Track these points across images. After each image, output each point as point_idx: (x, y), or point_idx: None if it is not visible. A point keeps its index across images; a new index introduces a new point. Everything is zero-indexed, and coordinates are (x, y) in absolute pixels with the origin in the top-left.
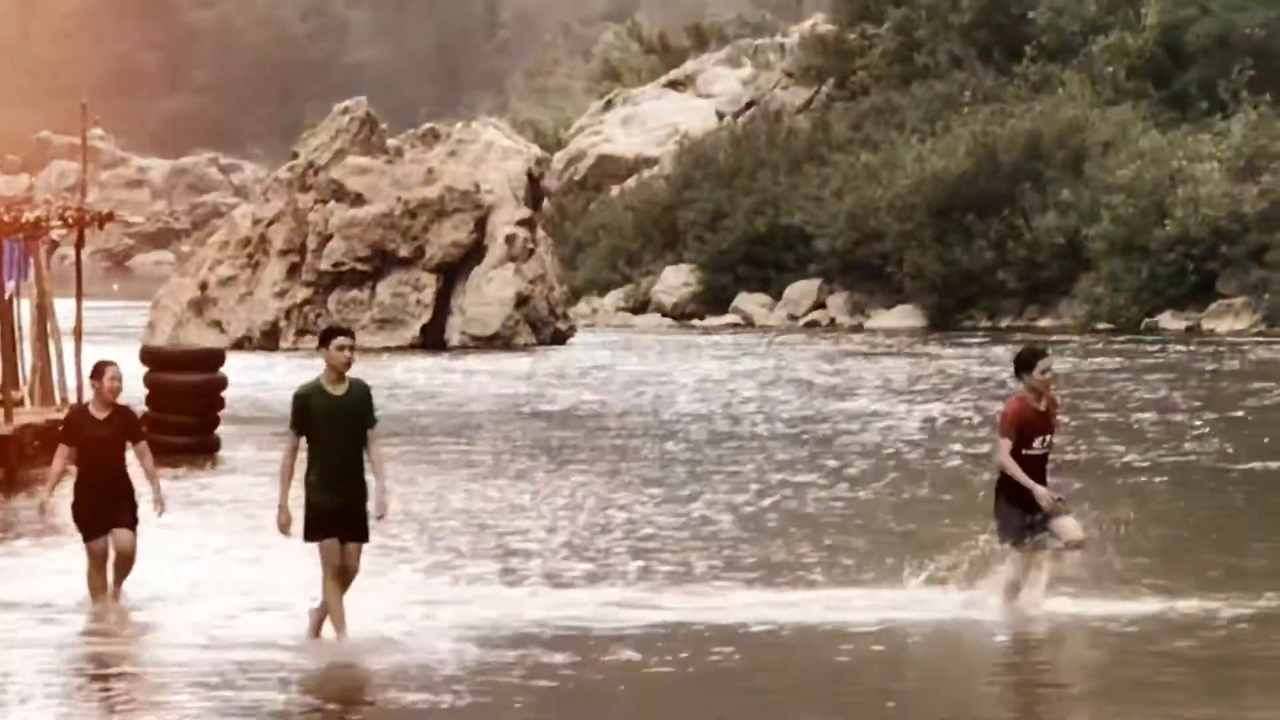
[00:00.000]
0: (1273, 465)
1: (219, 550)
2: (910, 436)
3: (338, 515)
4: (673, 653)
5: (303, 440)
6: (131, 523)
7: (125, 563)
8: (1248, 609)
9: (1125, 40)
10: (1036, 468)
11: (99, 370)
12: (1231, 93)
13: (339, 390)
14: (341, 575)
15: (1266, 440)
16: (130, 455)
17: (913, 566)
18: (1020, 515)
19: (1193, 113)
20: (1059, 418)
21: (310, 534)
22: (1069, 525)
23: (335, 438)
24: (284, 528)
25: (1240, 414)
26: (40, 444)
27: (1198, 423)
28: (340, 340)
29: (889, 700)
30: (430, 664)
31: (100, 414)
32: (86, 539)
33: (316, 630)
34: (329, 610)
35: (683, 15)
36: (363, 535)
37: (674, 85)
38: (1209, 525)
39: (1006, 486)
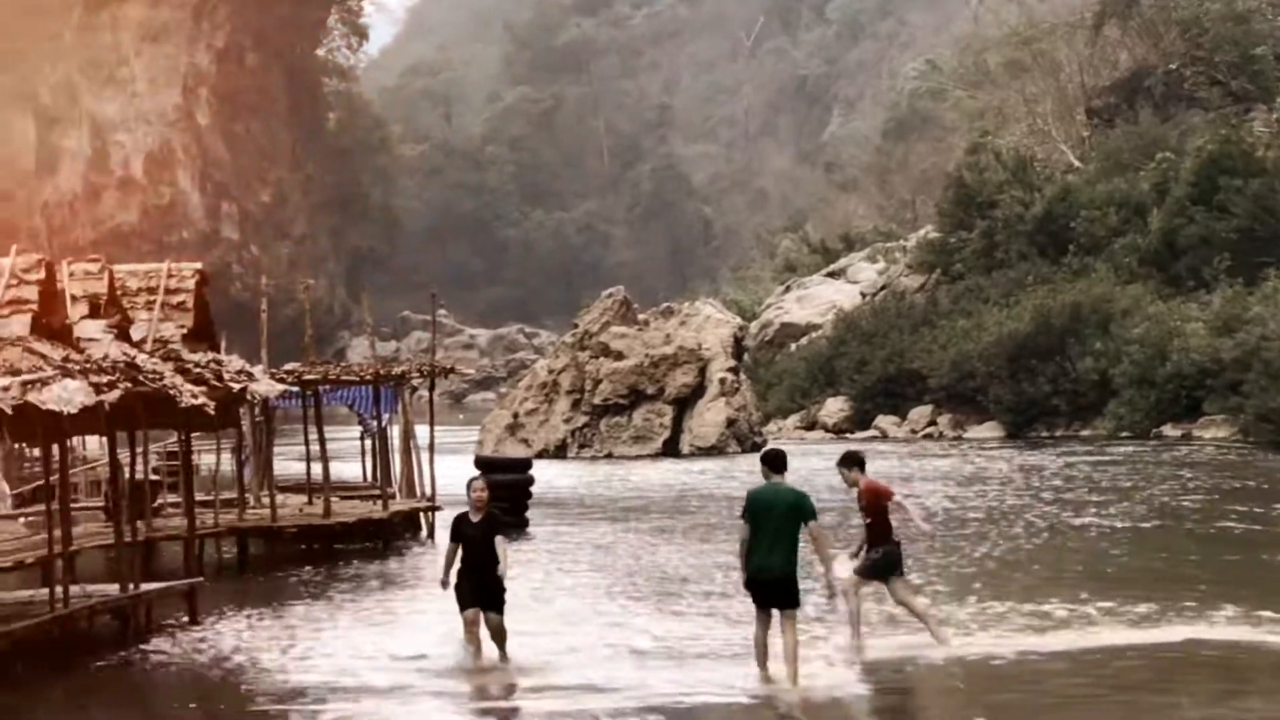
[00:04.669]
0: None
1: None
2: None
3: (772, 585)
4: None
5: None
6: (499, 605)
7: (498, 635)
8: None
9: (1137, 240)
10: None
11: (470, 484)
12: (1212, 275)
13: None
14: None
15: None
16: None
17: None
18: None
19: (1185, 289)
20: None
21: (757, 602)
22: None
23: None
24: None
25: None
26: (406, 523)
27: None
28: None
29: None
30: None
31: (475, 517)
32: (461, 609)
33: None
34: (759, 646)
35: (836, 226)
36: (790, 603)
37: (831, 275)
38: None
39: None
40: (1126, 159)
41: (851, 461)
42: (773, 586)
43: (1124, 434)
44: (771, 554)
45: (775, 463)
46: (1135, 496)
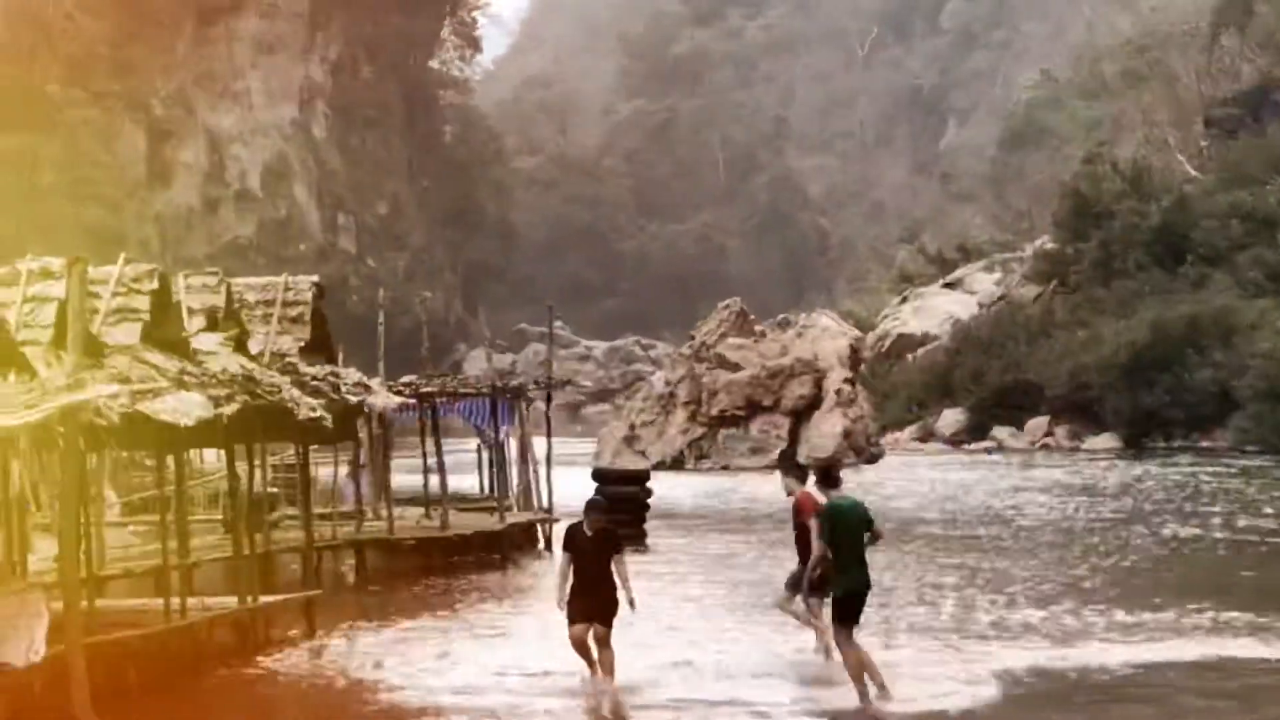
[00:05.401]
0: None
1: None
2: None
3: (860, 598)
4: None
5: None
6: (608, 619)
7: (605, 648)
8: None
9: (1264, 254)
10: None
11: (589, 509)
12: None
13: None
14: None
15: None
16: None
17: None
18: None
19: None
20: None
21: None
22: None
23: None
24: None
25: None
26: (524, 536)
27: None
28: None
29: None
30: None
31: (589, 530)
32: (570, 623)
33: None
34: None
35: (953, 237)
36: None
37: (948, 286)
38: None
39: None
40: (1252, 171)
41: (790, 469)
42: (860, 599)
43: (1250, 447)
44: (860, 566)
45: (831, 476)
46: (1252, 509)
